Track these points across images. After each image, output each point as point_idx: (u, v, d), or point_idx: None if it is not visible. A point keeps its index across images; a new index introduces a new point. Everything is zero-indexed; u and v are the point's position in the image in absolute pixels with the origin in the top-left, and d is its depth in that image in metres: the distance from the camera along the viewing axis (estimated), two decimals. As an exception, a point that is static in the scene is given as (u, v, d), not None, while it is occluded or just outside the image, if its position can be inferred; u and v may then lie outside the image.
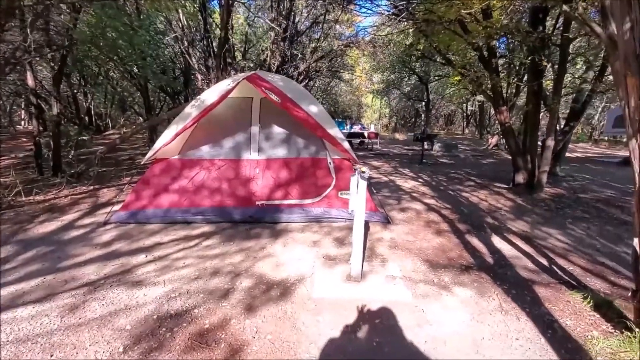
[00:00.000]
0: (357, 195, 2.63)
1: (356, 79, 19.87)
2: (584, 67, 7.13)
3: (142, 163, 4.23)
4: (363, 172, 2.58)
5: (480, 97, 14.33)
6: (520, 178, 6.31)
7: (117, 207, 4.18)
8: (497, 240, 3.72)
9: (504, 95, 6.37)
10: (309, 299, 2.45)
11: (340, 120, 14.30)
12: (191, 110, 4.23)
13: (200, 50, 8.81)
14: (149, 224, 3.97)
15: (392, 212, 4.66)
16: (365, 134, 12.93)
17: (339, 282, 2.67)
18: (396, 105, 27.07)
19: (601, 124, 29.50)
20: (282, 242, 3.58)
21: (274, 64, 9.00)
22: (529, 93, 6.16)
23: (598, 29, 2.33)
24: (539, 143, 6.32)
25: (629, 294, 2.08)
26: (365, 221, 4.20)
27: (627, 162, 9.37)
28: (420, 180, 7.20)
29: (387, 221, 4.20)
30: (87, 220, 4.15)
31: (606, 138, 21.32)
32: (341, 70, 14.96)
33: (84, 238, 3.62)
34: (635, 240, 2.06)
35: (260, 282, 2.71)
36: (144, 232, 3.78)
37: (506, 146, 14.64)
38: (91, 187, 5.61)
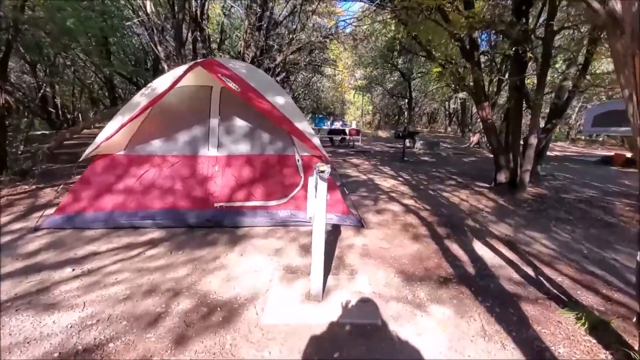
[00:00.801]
0: (316, 199, 2.22)
1: (339, 75, 19.47)
2: (566, 64, 6.96)
3: (79, 160, 3.68)
4: (322, 171, 2.17)
5: (462, 95, 14.21)
6: (502, 177, 6.06)
7: (51, 210, 3.64)
8: (478, 246, 3.39)
9: (486, 91, 6.10)
10: (257, 325, 2.03)
11: (321, 116, 13.88)
12: (140, 99, 3.73)
13: (171, 39, 8.19)
14: (89, 230, 3.45)
15: (367, 215, 4.28)
16: (347, 130, 12.55)
17: (296, 303, 2.26)
18: (379, 102, 26.86)
19: (578, 123, 30.21)
20: (240, 250, 3.14)
21: (248, 54, 8.47)
22: (511, 89, 5.91)
23: (596, 5, 1.99)
24: (521, 141, 6.09)
25: (635, 319, 1.76)
26: (337, 225, 3.82)
27: (605, 160, 9.35)
28: (400, 178, 6.88)
29: (360, 225, 3.81)
30: (17, 225, 3.59)
31: (584, 137, 21.74)
32: (323, 65, 14.52)
33: (9, 247, 3.09)
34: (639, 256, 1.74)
35: (202, 302, 2.27)
36: (81, 239, 3.27)
37: (488, 144, 14.63)
38: (34, 187, 5.00)
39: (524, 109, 6.14)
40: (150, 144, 3.80)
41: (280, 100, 3.83)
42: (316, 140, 3.80)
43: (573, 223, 4.26)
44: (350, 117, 25.80)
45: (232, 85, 3.40)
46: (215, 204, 3.75)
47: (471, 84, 5.93)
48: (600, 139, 20.77)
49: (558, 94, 6.17)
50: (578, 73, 5.71)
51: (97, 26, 6.66)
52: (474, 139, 14.94)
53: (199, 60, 3.76)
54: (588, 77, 6.10)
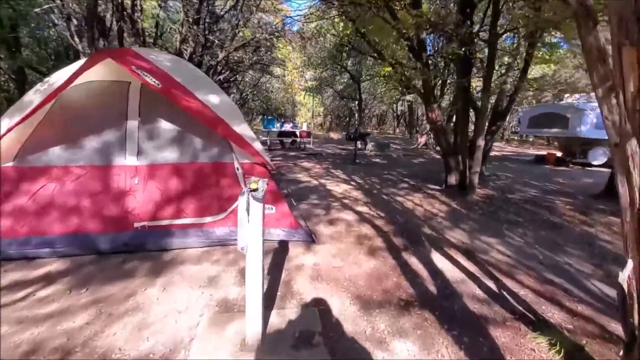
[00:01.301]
0: (250, 224, 1.75)
1: (288, 76, 19.03)
2: (505, 68, 7.23)
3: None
4: (255, 189, 1.72)
5: (409, 97, 14.55)
6: (452, 179, 6.06)
7: None
8: (437, 258, 3.16)
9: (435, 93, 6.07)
10: (170, 401, 1.51)
11: (270, 117, 13.31)
12: (34, 96, 2.98)
13: (88, 29, 7.11)
14: (-44, 267, 2.63)
15: (318, 227, 3.89)
16: (297, 132, 12.14)
17: (227, 355, 1.76)
18: (330, 104, 26.90)
19: (511, 125, 32.92)
20: (163, 283, 2.55)
21: (185, 49, 7.68)
22: (457, 90, 5.93)
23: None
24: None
25: (621, 351, 1.54)
26: (285, 242, 3.37)
27: (539, 159, 9.92)
28: (352, 183, 6.61)
29: (311, 240, 3.40)
30: None
31: (517, 138, 23.61)
32: (271, 65, 13.97)
33: None
34: (623, 274, 1.52)
35: (97, 369, 1.68)
36: (-59, 281, 2.45)
37: (435, 145, 15.15)
38: None
39: (470, 111, 6.22)
40: (47, 153, 3.03)
41: (214, 98, 3.29)
42: (257, 145, 3.31)
43: (523, 225, 4.26)
44: (302, 118, 25.48)
45: (150, 80, 2.80)
46: (136, 224, 3.10)
47: (420, 85, 5.84)
48: (531, 139, 22.73)
49: (500, 97, 6.34)
50: (519, 76, 5.89)
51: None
52: (422, 140, 15.39)
53: (107, 49, 3.07)
54: (527, 81, 6.36)
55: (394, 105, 30.49)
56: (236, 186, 3.32)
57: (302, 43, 11.25)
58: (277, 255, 3.06)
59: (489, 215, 4.63)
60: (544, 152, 11.89)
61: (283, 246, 3.27)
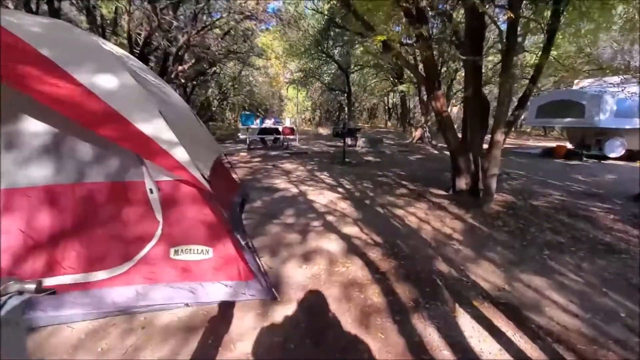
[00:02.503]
0: None
1: (272, 67, 17.69)
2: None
3: None
4: None
5: (402, 87, 13.36)
6: (461, 183, 4.92)
7: None
8: (469, 326, 2.00)
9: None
10: None
11: (248, 113, 12.00)
12: None
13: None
14: None
15: (287, 266, 2.70)
16: (280, 129, 10.89)
17: None
18: (318, 98, 25.60)
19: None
20: None
21: (135, 32, 6.37)
22: (467, 73, 4.76)
23: None
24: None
25: None
26: (228, 304, 2.19)
27: (547, 153, 8.83)
28: (340, 189, 5.43)
29: (271, 296, 2.21)
30: None
31: (528, 129, 22.52)
32: (249, 55, 12.63)
33: None
34: None
35: None
36: None
37: (431, 139, 14.05)
38: None
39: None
40: None
41: (109, 81, 2.05)
42: (180, 155, 2.09)
43: (569, 250, 3.13)
44: (289, 113, 24.15)
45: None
46: (-28, 292, 1.86)
47: (420, 68, 4.67)
48: (528, 129, 21.81)
49: (534, 76, 5.06)
50: (542, 50, 4.72)
51: None
52: (417, 134, 14.26)
53: None
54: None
55: (385, 97, 29.41)
56: (149, 219, 2.10)
57: (280, 27, 9.94)
58: (208, 336, 1.87)
59: (519, 235, 3.49)
60: (552, 144, 10.84)
61: (225, 311, 2.08)
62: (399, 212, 4.22)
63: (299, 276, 2.55)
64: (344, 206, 4.45)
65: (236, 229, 3.11)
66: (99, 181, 2.06)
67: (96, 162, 2.07)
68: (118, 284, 2.01)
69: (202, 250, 2.12)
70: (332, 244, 3.16)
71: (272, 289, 2.21)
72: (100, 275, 2.00)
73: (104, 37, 7.29)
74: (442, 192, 5.22)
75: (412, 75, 15.22)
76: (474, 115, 4.82)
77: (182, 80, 14.84)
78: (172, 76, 8.08)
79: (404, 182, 6.02)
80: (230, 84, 17.26)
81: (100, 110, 1.90)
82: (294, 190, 5.34)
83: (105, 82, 2.03)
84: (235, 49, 10.76)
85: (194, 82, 15.59)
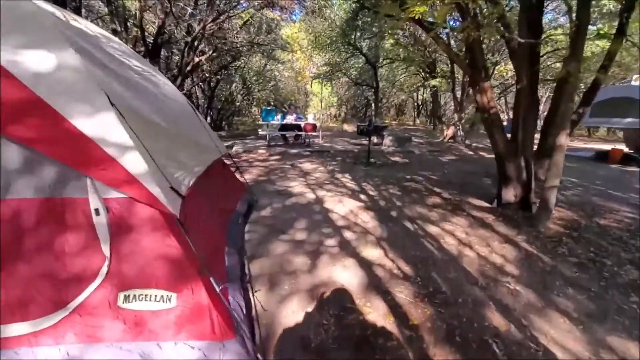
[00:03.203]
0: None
1: (297, 62, 17.12)
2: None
3: None
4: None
5: (435, 82, 12.35)
6: (510, 194, 4.09)
7: None
8: None
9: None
10: None
11: (269, 108, 11.46)
12: None
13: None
14: None
15: (288, 306, 2.08)
16: (302, 125, 10.28)
17: None
18: (345, 93, 24.77)
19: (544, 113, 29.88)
20: None
21: (153, 22, 5.97)
22: (520, 61, 3.89)
23: None
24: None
25: None
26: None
27: (600, 157, 7.64)
28: (363, 196, 4.74)
29: (257, 362, 1.59)
30: None
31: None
32: (273, 48, 12.09)
33: None
34: None
35: None
36: None
37: (464, 138, 12.95)
38: None
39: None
40: None
41: (40, 60, 1.49)
42: (134, 162, 1.50)
43: (673, 299, 2.29)
44: (314, 109, 23.54)
45: None
46: None
47: (462, 56, 3.87)
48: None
49: (605, 64, 4.10)
50: (615, 32, 3.77)
51: None
52: (449, 132, 13.20)
53: None
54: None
55: (415, 93, 28.12)
56: (92, 250, 1.53)
57: (305, 17, 9.29)
58: None
59: (593, 270, 2.67)
60: (604, 147, 9.50)
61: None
62: (433, 229, 3.48)
63: (300, 326, 1.92)
64: (366, 219, 3.77)
65: (235, 247, 2.54)
66: (27, 197, 1.51)
67: (24, 170, 1.52)
68: (43, 342, 1.46)
69: (163, 296, 1.53)
70: (347, 274, 2.50)
71: (259, 356, 1.58)
72: (18, 328, 1.46)
73: (126, 28, 6.93)
74: (484, 204, 4.41)
75: (444, 69, 14.14)
76: (528, 112, 3.96)
77: (206, 75, 14.64)
78: (189, 68, 7.68)
79: (436, 189, 5.23)
80: (254, 78, 16.84)
81: (21, 99, 1.35)
82: (310, 195, 4.71)
83: (35, 60, 1.47)
84: (257, 40, 10.23)
85: (218, 77, 15.33)
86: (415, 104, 30.13)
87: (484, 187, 5.53)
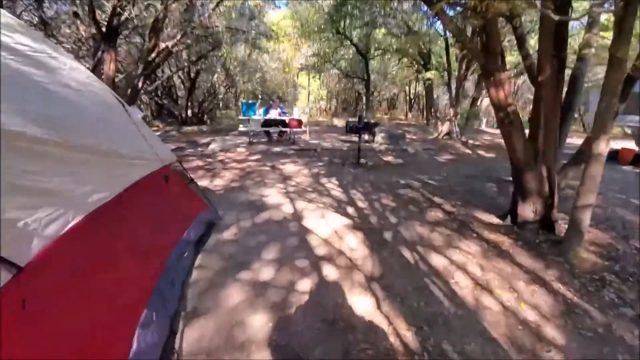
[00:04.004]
0: None
1: (284, 52, 16.13)
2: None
3: None
4: None
5: (430, 75, 11.58)
6: (527, 210, 3.35)
7: None
8: None
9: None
10: None
11: (251, 102, 10.53)
12: None
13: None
14: None
15: None
16: (287, 121, 9.42)
17: None
18: (335, 86, 23.85)
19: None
20: None
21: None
22: (543, 45, 3.12)
23: None
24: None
25: None
26: None
27: (610, 157, 6.93)
28: (350, 209, 3.96)
29: None
30: None
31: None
32: (252, 32, 11.11)
33: None
34: None
35: None
36: None
37: (460, 135, 12.25)
38: None
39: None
40: None
41: None
42: None
43: None
44: (303, 103, 22.59)
45: None
46: None
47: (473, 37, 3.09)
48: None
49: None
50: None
51: None
52: (444, 129, 12.49)
53: None
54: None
55: (407, 87, 27.38)
56: None
57: (290, 1, 8.37)
58: None
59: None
60: (617, 147, 8.81)
61: None
62: (439, 261, 2.72)
63: None
64: (354, 244, 2.99)
65: (162, 308, 1.74)
66: None
67: None
68: None
69: None
70: (323, 349, 1.72)
71: None
72: None
73: (93, 12, 5.90)
74: (495, 220, 3.68)
75: (440, 60, 13.36)
76: (551, 109, 3.21)
77: (185, 64, 13.57)
78: (154, 55, 6.73)
79: (436, 199, 4.48)
80: (238, 69, 15.81)
81: None
82: (288, 208, 3.92)
83: None
84: (236, 26, 9.27)
85: (198, 68, 14.29)
86: (408, 97, 29.40)
87: (490, 195, 4.82)
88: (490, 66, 3.00)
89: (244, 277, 2.40)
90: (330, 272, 2.49)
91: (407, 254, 2.83)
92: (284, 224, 3.44)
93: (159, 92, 14.84)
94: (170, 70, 13.18)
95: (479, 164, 7.57)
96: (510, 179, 5.92)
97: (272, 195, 4.46)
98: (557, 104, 3.24)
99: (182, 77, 15.46)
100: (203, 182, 4.99)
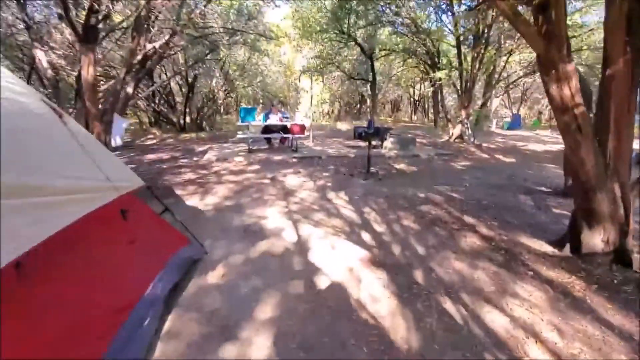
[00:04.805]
0: None
1: (285, 55, 15.50)
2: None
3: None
4: None
5: (441, 75, 10.87)
6: (596, 239, 2.63)
7: None
8: None
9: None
10: None
11: (249, 107, 9.85)
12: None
13: None
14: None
15: None
16: (288, 126, 8.74)
17: None
18: (338, 89, 23.19)
19: (549, 107, 28.69)
20: None
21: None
22: (612, 22, 2.41)
23: None
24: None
25: None
26: None
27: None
28: (365, 234, 3.26)
29: None
30: None
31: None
32: (253, 33, 10.48)
33: None
34: None
35: None
36: None
37: (473, 138, 11.53)
38: None
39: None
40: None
41: None
42: None
43: None
44: (305, 107, 21.96)
45: None
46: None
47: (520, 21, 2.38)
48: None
49: None
50: None
51: None
52: (455, 131, 11.75)
53: None
54: None
55: (411, 88, 26.70)
56: None
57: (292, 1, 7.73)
58: None
59: None
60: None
61: None
62: (495, 318, 1.99)
63: None
64: (376, 289, 2.28)
65: None
66: None
67: None
68: None
69: None
70: None
71: None
72: None
73: (66, 10, 5.26)
74: (548, 249, 2.95)
75: (452, 59, 12.65)
76: (625, 113, 2.49)
77: (181, 68, 12.97)
78: (139, 57, 6.09)
79: (467, 218, 3.76)
80: (237, 73, 15.20)
81: None
82: (290, 235, 3.21)
83: None
84: (232, 25, 8.63)
85: (196, 72, 13.69)
86: (412, 99, 28.70)
87: (528, 211, 4.08)
88: (553, 55, 2.29)
89: (229, 353, 1.69)
90: (348, 344, 1.78)
91: (449, 307, 2.11)
92: (286, 260, 2.74)
93: (156, 99, 14.26)
94: (166, 75, 12.57)
95: (501, 170, 6.84)
96: (544, 189, 5.24)
97: (272, 216, 3.76)
98: (632, 104, 2.52)
99: (179, 82, 14.88)
100: (192, 201, 4.32)
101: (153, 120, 15.18)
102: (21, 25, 8.25)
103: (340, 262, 2.69)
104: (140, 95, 11.24)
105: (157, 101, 14.32)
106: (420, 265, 2.65)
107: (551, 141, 13.07)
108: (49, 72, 8.15)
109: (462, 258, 2.78)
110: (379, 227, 3.45)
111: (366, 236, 3.22)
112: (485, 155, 8.88)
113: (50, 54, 8.37)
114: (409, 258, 2.78)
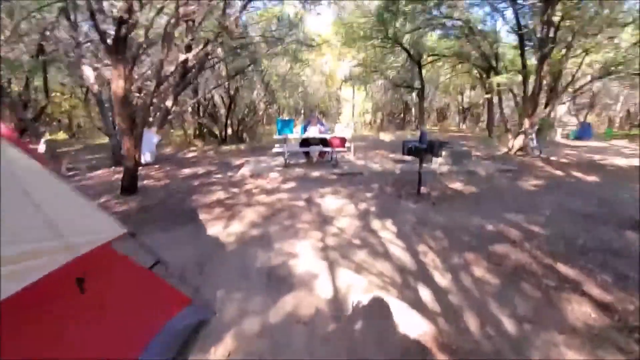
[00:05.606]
0: None
1: (326, 64, 15.05)
2: None
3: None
4: None
5: (501, 79, 9.65)
6: None
7: None
8: None
9: None
10: None
11: (287, 119, 9.34)
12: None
13: None
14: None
15: None
16: (328, 138, 8.10)
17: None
18: (381, 98, 22.29)
19: (621, 114, 25.43)
20: None
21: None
22: None
23: None
24: None
25: None
26: None
27: None
28: (422, 290, 2.44)
29: None
30: None
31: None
32: (295, 42, 10.10)
33: None
34: None
35: None
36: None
37: (539, 150, 10.07)
38: None
39: None
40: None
41: None
42: None
43: None
44: (347, 117, 21.33)
45: None
46: None
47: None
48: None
49: None
50: None
51: None
52: (516, 142, 10.36)
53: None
54: None
55: (460, 95, 25.07)
56: None
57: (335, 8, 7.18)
58: None
59: None
60: None
61: None
62: None
63: None
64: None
65: None
66: None
67: None
68: None
69: None
70: None
71: None
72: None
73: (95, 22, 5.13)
74: None
75: (516, 62, 11.29)
76: None
77: (222, 80, 12.98)
78: (172, 68, 5.84)
79: (561, 267, 2.78)
80: (279, 83, 15.00)
81: None
82: (324, 288, 2.50)
83: None
84: (272, 34, 8.28)
85: (237, 84, 13.67)
86: (460, 107, 26.92)
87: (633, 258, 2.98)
88: None
89: None
90: None
91: None
92: (316, 329, 2.02)
93: (200, 111, 14.48)
94: (209, 88, 12.66)
95: (585, 192, 5.57)
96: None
97: (303, 254, 3.08)
98: None
99: (222, 94, 15.01)
100: (215, 228, 3.79)
101: (197, 132, 15.44)
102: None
103: (392, 338, 1.91)
104: (184, 108, 11.34)
105: (200, 114, 14.53)
106: (514, 356, 1.79)
107: (634, 154, 11.06)
108: (96, 87, 8.32)
109: (575, 344, 1.87)
110: (442, 280, 2.61)
111: (425, 294, 2.41)
112: (558, 172, 7.52)
113: (102, 70, 8.53)
114: (493, 340, 1.92)
